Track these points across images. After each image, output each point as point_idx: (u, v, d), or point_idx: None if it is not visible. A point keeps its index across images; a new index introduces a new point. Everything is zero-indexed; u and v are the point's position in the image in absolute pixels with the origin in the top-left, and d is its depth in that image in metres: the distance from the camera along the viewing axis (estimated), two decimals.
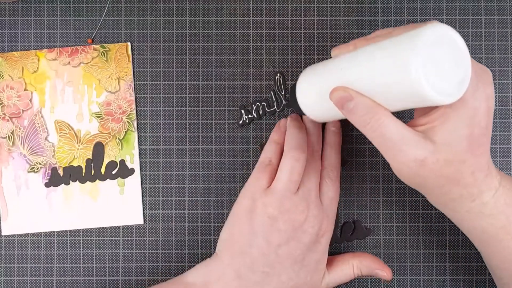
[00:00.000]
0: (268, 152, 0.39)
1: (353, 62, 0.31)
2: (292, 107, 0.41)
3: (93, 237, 0.43)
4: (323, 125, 0.41)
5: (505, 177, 0.33)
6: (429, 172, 0.30)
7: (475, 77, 0.29)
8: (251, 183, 0.37)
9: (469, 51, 0.43)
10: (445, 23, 0.43)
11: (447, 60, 0.27)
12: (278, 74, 0.43)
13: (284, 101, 0.43)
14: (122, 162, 0.43)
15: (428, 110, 0.31)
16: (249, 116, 0.43)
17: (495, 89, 0.43)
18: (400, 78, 0.27)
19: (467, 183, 0.31)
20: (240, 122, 0.43)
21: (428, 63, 0.26)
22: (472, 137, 0.30)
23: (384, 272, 0.38)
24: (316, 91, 0.35)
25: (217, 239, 0.43)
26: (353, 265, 0.38)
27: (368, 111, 0.30)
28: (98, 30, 0.44)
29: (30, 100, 0.43)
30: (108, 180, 0.43)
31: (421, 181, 0.32)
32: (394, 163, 0.31)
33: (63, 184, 0.43)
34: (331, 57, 0.35)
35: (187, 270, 0.38)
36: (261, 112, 0.43)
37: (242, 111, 0.43)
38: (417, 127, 0.31)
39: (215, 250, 0.42)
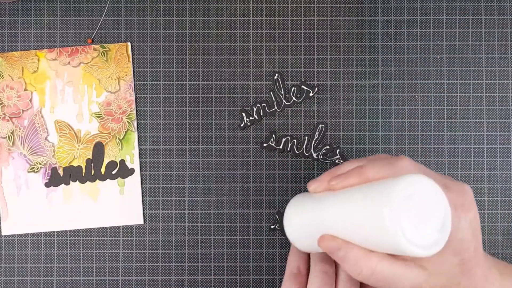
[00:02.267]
0: (295, 261, 0.37)
1: (334, 210, 0.31)
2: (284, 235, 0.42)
3: (93, 237, 0.43)
4: None
5: (505, 268, 0.33)
6: None
7: (454, 209, 0.30)
8: None
9: (469, 51, 0.43)
10: (445, 23, 0.43)
11: (423, 209, 0.27)
12: (277, 74, 0.43)
13: (284, 101, 0.43)
14: (122, 162, 0.43)
15: None
16: (250, 118, 0.43)
17: (495, 88, 0.43)
18: (379, 233, 0.27)
19: None
20: (242, 125, 0.43)
21: (404, 216, 0.27)
22: (463, 262, 0.30)
23: None
24: (301, 229, 0.35)
25: (217, 239, 0.43)
26: None
27: (358, 260, 0.30)
28: (98, 30, 0.44)
29: (30, 100, 0.43)
30: (108, 180, 0.43)
31: None
32: None
33: (63, 184, 0.43)
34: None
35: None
36: (261, 113, 0.43)
37: (243, 114, 0.43)
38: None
39: (214, 250, 0.42)
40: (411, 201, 0.27)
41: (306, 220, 0.34)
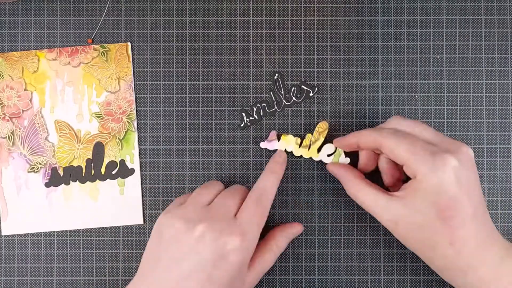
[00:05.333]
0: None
1: None
2: None
3: (93, 237, 0.43)
4: None
5: None
6: (405, 233, 0.34)
7: (431, 154, 0.33)
8: None
9: (469, 51, 0.43)
10: (445, 23, 0.43)
11: None
12: (277, 74, 0.43)
13: (284, 101, 0.43)
14: (122, 162, 0.43)
15: (403, 185, 0.35)
16: (250, 118, 0.43)
17: (495, 88, 0.43)
18: None
19: (447, 254, 0.33)
20: (242, 125, 0.43)
21: None
22: (439, 206, 0.32)
23: (294, 229, 0.41)
24: None
25: None
26: (273, 250, 0.39)
27: (347, 183, 0.38)
28: (98, 30, 0.44)
29: (30, 100, 0.43)
30: (108, 180, 0.43)
31: (405, 243, 0.36)
32: (380, 222, 0.36)
33: (63, 184, 0.43)
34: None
35: None
36: (261, 113, 0.43)
37: (243, 114, 0.43)
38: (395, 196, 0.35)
39: None
40: None
41: None
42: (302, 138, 0.42)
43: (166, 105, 0.43)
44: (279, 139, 0.42)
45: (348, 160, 0.42)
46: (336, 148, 0.42)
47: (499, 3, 0.43)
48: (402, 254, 0.42)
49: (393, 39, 0.43)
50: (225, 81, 0.43)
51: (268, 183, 0.38)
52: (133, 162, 0.43)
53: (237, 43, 0.43)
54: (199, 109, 0.43)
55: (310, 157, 0.42)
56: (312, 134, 0.42)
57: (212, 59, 0.43)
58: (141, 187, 0.43)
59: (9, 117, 0.43)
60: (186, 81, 0.43)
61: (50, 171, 0.43)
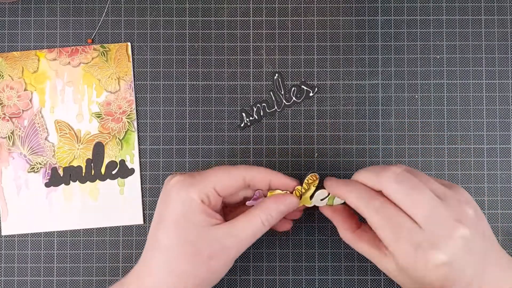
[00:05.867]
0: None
1: None
2: None
3: (93, 237, 0.43)
4: None
5: None
6: (402, 285, 0.34)
7: (413, 250, 0.32)
8: None
9: (469, 51, 0.43)
10: (445, 23, 0.43)
11: None
12: (277, 74, 0.43)
13: (284, 101, 0.43)
14: (122, 162, 0.43)
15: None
16: (250, 118, 0.43)
17: (495, 88, 0.43)
18: None
19: None
20: (242, 125, 0.43)
21: None
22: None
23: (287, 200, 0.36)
24: None
25: None
26: (259, 216, 0.35)
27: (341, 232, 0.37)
28: (98, 30, 0.44)
29: (30, 100, 0.43)
30: (108, 180, 0.43)
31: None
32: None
33: (63, 184, 0.43)
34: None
35: None
36: (261, 113, 0.43)
37: (243, 114, 0.43)
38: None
39: None
40: None
41: None
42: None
43: (166, 105, 0.43)
44: (266, 195, 0.37)
45: (342, 200, 0.37)
46: (329, 192, 0.37)
47: (499, 3, 0.43)
48: None
49: (393, 39, 0.43)
50: (225, 81, 0.43)
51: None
52: (133, 162, 0.43)
53: (237, 43, 0.43)
54: (199, 109, 0.43)
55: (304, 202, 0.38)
56: (301, 185, 0.37)
57: (212, 59, 0.43)
58: (141, 187, 0.43)
59: (9, 117, 0.43)
60: (186, 81, 0.43)
61: (50, 171, 0.43)
